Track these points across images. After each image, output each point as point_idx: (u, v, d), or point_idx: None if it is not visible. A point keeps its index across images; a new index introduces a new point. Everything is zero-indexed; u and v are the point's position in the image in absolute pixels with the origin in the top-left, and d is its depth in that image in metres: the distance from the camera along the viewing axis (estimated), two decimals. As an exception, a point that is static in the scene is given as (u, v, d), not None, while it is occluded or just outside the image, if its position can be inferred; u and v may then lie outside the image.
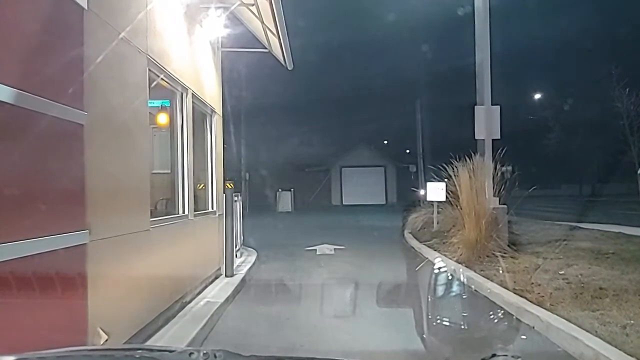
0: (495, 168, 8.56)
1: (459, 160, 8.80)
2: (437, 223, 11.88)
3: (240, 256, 8.73)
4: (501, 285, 5.84)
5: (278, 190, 23.31)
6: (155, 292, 4.14)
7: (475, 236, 7.97)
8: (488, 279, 6.30)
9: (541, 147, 29.83)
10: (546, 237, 9.45)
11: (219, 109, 6.97)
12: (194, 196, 6.58)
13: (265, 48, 6.90)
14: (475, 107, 9.54)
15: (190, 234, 5.42)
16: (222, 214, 6.87)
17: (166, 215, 4.81)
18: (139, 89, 3.96)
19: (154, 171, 5.63)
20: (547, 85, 30.94)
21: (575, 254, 7.79)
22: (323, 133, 29.65)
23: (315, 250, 10.42)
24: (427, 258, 9.00)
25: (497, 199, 8.72)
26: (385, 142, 32.50)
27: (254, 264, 8.19)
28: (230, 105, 25.98)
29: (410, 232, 12.14)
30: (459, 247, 8.22)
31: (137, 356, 1.33)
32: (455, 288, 6.43)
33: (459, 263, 7.58)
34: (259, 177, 26.88)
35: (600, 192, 26.85)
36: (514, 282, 6.01)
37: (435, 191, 11.89)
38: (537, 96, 31.99)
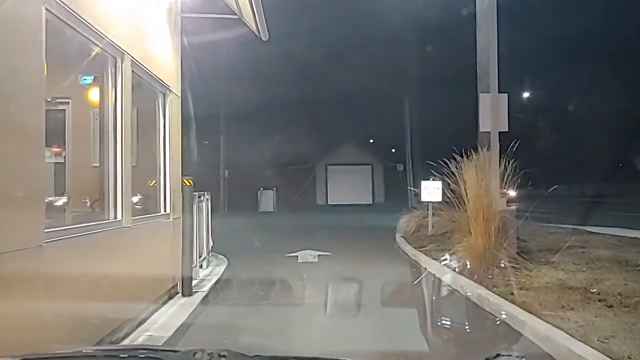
0: (506, 165, 7.38)
1: (464, 155, 7.62)
2: (433, 226, 10.72)
3: (207, 267, 7.42)
4: (527, 310, 4.64)
5: (259, 189, 21.98)
6: (64, 330, 2.86)
7: (484, 243, 6.79)
8: (507, 299, 5.11)
9: (539, 145, 29.04)
10: (556, 244, 8.32)
11: (175, 87, 5.67)
12: (142, 197, 5.27)
13: (235, 14, 5.61)
14: (480, 94, 8.37)
15: (127, 245, 4.11)
16: (180, 217, 5.57)
17: (83, 223, 3.49)
18: (26, 38, 2.66)
19: (94, 164, 4.32)
20: (541, 81, 30.14)
21: (599, 265, 6.67)
22: (308, 128, 28.36)
23: (297, 257, 9.16)
24: (425, 268, 7.81)
25: (505, 200, 7.57)
26: (371, 141, 31.35)
27: (221, 276, 6.89)
28: (205, 91, 24.54)
29: (402, 236, 10.96)
30: (462, 256, 7.04)
31: (141, 356, 1.34)
32: (467, 312, 5.24)
33: (465, 276, 6.40)
34: (239, 174, 25.52)
35: (604, 192, 26.08)
36: (540, 304, 4.82)
37: (430, 191, 10.72)
38: (527, 94, 31.11)
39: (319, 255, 9.34)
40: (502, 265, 6.70)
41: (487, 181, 7.26)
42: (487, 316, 4.95)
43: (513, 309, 4.76)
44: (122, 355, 1.39)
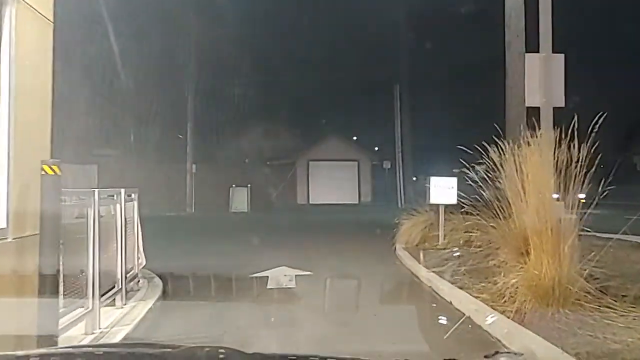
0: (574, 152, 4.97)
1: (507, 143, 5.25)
2: (445, 236, 8.31)
3: (124, 302, 4.83)
4: None
5: (231, 186, 19.35)
6: None
7: (552, 272, 4.36)
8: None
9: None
10: (634, 267, 5.99)
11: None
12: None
13: None
14: (527, 55, 5.99)
15: None
16: (35, 234, 3.00)
17: None
18: None
19: None
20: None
21: None
22: (289, 120, 25.83)
23: (267, 279, 6.64)
24: (450, 302, 5.37)
25: (562, 203, 5.19)
26: (356, 136, 28.86)
27: (138, 325, 4.31)
28: (170, 69, 21.71)
29: (405, 248, 8.51)
30: (516, 290, 4.61)
31: (140, 352, 1.36)
32: None
33: (532, 328, 3.97)
34: (209, 169, 22.89)
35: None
36: None
37: (442, 190, 8.30)
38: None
39: (297, 276, 6.84)
40: (581, 306, 4.30)
41: (542, 177, 4.86)
42: None
43: None
44: (120, 352, 1.43)
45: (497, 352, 1.38)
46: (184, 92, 19.85)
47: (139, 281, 5.73)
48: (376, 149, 29.38)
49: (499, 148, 5.28)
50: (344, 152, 24.81)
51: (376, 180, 25.98)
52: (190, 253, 8.83)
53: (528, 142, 5.23)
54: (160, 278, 6.38)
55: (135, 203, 5.59)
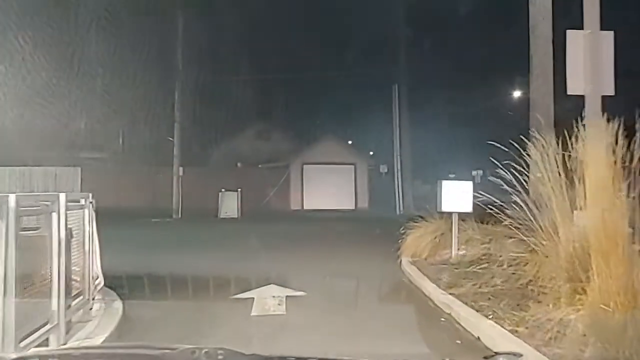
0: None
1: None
2: (458, 249, 7.26)
3: (66, 339, 3.70)
4: None
5: (221, 191, 18.22)
6: None
7: (626, 306, 3.30)
8: None
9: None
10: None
11: None
12: None
13: None
14: (569, 32, 4.96)
15: None
16: None
17: None
18: None
19: None
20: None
21: None
22: (282, 121, 24.79)
23: (252, 302, 5.56)
24: (479, 339, 4.27)
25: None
26: (351, 140, 27.82)
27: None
28: (158, 69, 20.55)
29: (412, 263, 7.44)
30: (568, 326, 3.55)
31: (139, 354, 1.40)
32: None
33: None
34: (197, 172, 21.76)
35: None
36: None
37: (455, 196, 7.24)
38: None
39: (288, 297, 5.76)
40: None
41: (606, 179, 3.79)
42: None
43: None
44: (120, 353, 1.47)
45: (496, 353, 1.44)
46: (172, 91, 18.71)
47: (91, 308, 4.62)
48: (371, 153, 28.40)
49: (540, 144, 4.23)
50: (340, 154, 23.76)
51: (373, 185, 24.96)
52: (167, 267, 7.71)
53: (576, 137, 4.21)
54: (123, 302, 5.28)
55: (87, 211, 4.48)
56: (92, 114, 23.52)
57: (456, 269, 6.66)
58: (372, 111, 24.81)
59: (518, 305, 4.72)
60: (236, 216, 17.55)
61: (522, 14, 7.69)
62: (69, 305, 4.05)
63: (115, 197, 21.97)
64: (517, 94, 20.94)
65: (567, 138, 4.36)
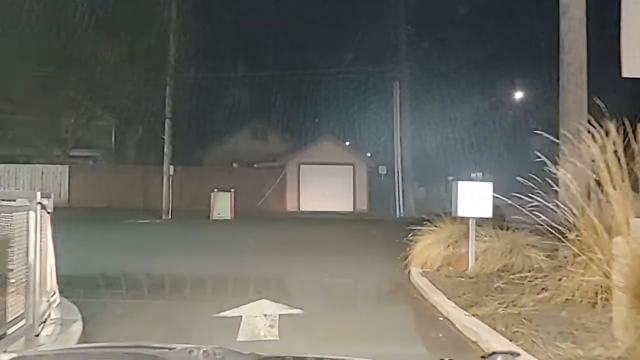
0: None
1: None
2: (476, 259, 6.42)
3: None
4: None
5: (213, 191, 17.34)
6: None
7: None
8: None
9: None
10: None
11: None
12: None
13: None
14: (623, 1, 4.12)
15: None
16: None
17: None
18: None
19: None
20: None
21: None
22: (278, 119, 23.91)
23: (239, 321, 4.69)
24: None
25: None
26: (350, 139, 26.95)
27: None
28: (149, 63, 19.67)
29: (424, 274, 6.59)
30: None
31: (138, 353, 1.39)
32: None
33: None
34: (190, 171, 20.91)
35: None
36: None
37: (473, 198, 6.40)
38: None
39: (282, 315, 4.91)
40: None
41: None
42: None
43: None
44: (118, 352, 1.45)
45: (494, 353, 1.40)
46: (163, 86, 17.83)
47: (37, 335, 3.75)
48: (370, 153, 27.57)
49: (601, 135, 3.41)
50: (338, 154, 22.92)
51: (372, 186, 24.14)
52: (145, 278, 6.85)
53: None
54: (85, 323, 4.41)
55: (34, 215, 3.60)
56: (82, 110, 22.60)
57: (475, 283, 5.84)
58: (372, 109, 23.97)
59: (560, 333, 3.90)
60: (229, 218, 16.67)
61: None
62: (5, 333, 3.21)
63: (106, 196, 21.12)
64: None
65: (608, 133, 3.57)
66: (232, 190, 17.10)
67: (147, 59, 20.21)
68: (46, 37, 18.53)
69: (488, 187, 6.31)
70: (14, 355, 1.31)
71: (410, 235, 7.68)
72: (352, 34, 21.39)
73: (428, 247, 7.05)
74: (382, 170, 25.84)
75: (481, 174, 44.19)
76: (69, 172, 21.27)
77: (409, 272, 6.88)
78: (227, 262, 8.39)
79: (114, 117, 24.53)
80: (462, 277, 6.11)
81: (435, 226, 7.55)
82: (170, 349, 1.34)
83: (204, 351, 1.28)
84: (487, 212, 6.28)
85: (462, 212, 6.37)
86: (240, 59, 22.04)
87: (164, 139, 18.87)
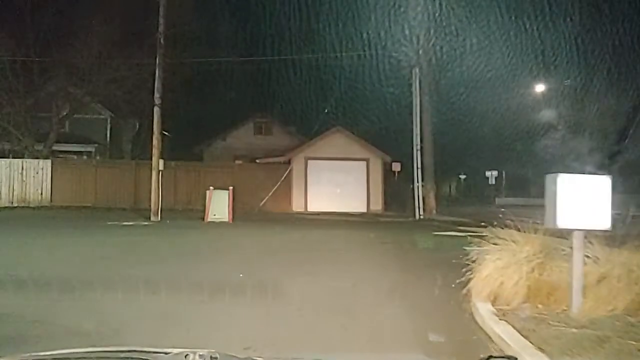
0: None
1: None
2: (585, 292, 4.17)
3: None
4: None
5: (209, 188, 15.20)
6: None
7: None
8: None
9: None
10: None
11: None
12: None
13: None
14: None
15: None
16: None
17: None
18: None
19: None
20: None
21: None
22: (283, 109, 21.75)
23: None
24: None
25: None
26: (363, 131, 24.65)
27: None
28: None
29: (501, 316, 4.31)
30: None
31: (133, 357, 1.40)
32: None
33: None
34: (185, 167, 18.87)
35: None
36: None
37: (581, 201, 4.14)
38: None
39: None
40: None
41: None
42: None
43: None
44: (113, 357, 1.46)
45: (490, 357, 1.42)
46: (152, 71, 15.73)
47: None
48: (385, 148, 25.30)
49: None
50: (350, 148, 20.73)
51: (388, 184, 21.94)
52: (100, 307, 4.64)
53: None
54: None
55: None
56: (71, 100, 20.75)
57: (597, 334, 3.61)
58: (389, 98, 21.71)
59: None
60: (227, 220, 14.50)
61: None
62: None
63: (93, 194, 19.15)
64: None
65: None
66: (231, 188, 14.94)
67: (138, 44, 18.27)
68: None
69: (605, 183, 4.08)
70: (14, 357, 1.33)
71: (458, 246, 5.50)
72: (367, 12, 19.10)
73: (500, 271, 4.79)
74: (398, 166, 23.51)
75: (496, 172, 41.33)
76: (52, 167, 19.25)
77: (472, 312, 4.64)
78: (218, 273, 6.20)
79: (105, 108, 22.59)
80: (568, 326, 3.87)
81: (499, 237, 5.30)
82: (165, 353, 1.36)
83: (200, 355, 1.31)
84: (604, 223, 4.04)
85: (564, 222, 4.12)
86: (242, 40, 19.89)
87: (166, 134, 16.96)
